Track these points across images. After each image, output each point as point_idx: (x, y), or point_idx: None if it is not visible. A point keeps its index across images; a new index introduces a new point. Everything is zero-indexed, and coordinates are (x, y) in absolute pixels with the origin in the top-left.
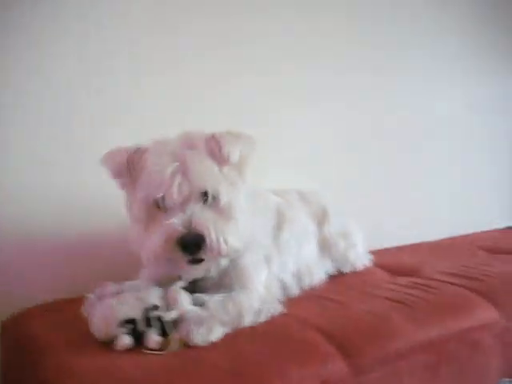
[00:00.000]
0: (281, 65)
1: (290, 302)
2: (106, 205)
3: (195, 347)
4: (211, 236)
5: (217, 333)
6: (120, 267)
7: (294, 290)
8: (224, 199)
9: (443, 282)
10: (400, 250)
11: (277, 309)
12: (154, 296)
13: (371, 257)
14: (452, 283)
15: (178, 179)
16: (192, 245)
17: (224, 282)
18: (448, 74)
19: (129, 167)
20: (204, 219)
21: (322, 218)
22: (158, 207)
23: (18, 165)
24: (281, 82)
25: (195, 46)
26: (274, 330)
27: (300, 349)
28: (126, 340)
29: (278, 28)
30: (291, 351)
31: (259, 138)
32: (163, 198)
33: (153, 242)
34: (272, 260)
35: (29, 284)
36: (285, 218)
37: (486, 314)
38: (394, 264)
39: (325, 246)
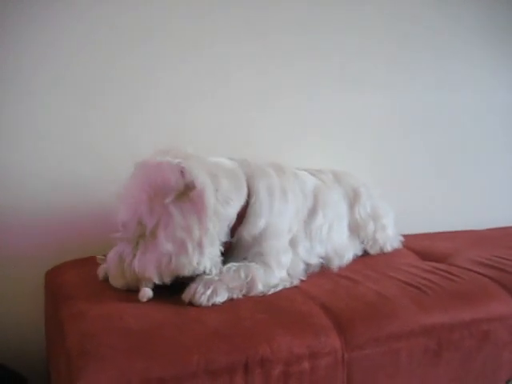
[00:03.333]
0: (319, 51)
1: (307, 277)
2: None
3: (200, 308)
4: None
5: (221, 297)
6: None
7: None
8: None
9: (468, 269)
10: (436, 235)
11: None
12: None
13: (402, 239)
14: (476, 271)
15: None
16: None
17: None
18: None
19: None
20: None
21: (353, 200)
22: None
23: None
24: (319, 67)
25: (215, 33)
26: (276, 300)
27: (296, 319)
28: (148, 292)
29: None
30: (286, 320)
31: (298, 122)
32: None
33: None
34: (299, 244)
35: (70, 240)
36: (320, 202)
37: (503, 306)
38: (426, 248)
39: (355, 228)
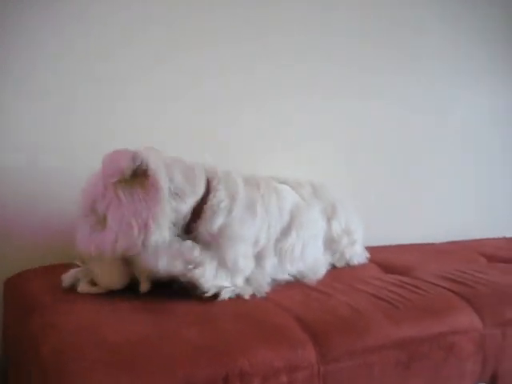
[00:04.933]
0: (294, 60)
1: (277, 288)
2: None
3: (178, 319)
4: None
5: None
6: None
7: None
8: None
9: (432, 283)
10: (399, 248)
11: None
12: None
13: (368, 255)
14: (440, 286)
15: None
16: None
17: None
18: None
19: None
20: None
21: (331, 214)
22: None
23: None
24: (292, 78)
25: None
26: (252, 312)
27: (273, 332)
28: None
29: (293, 23)
30: (263, 333)
31: (271, 133)
32: None
33: None
34: (266, 259)
35: (30, 248)
36: (296, 222)
37: (467, 320)
38: (388, 261)
39: (329, 242)
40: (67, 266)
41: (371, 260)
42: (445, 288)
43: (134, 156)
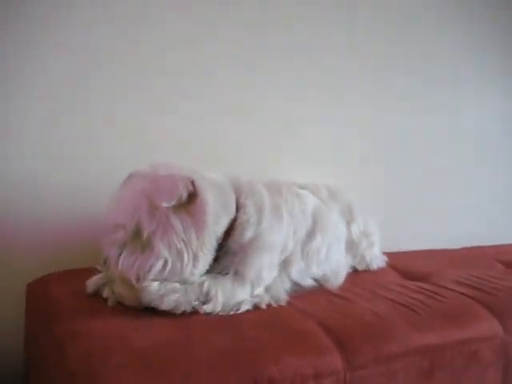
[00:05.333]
0: (307, 61)
1: (298, 294)
2: None
3: (202, 325)
4: None
5: (167, 304)
6: None
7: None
8: None
9: (452, 290)
10: (416, 254)
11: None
12: None
13: (386, 258)
14: (460, 293)
15: None
16: None
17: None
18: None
19: None
20: None
21: (349, 217)
22: None
23: None
24: (306, 79)
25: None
26: (278, 319)
27: (299, 339)
28: None
29: (304, 24)
30: (290, 340)
31: (285, 135)
32: None
33: None
34: (293, 264)
35: (53, 251)
36: (319, 224)
37: (488, 327)
38: (407, 267)
39: (350, 245)
40: (89, 271)
41: (388, 265)
42: (465, 295)
43: (193, 182)
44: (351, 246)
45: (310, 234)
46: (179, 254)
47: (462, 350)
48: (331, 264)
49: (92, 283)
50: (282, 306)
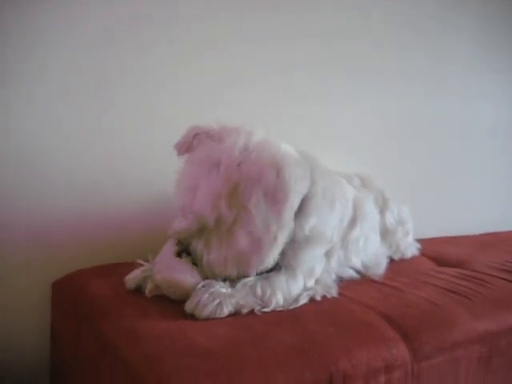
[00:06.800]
0: (331, 55)
1: (344, 285)
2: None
3: (263, 321)
4: None
5: (225, 312)
6: None
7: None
8: None
9: (492, 275)
10: (443, 241)
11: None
12: None
13: (419, 246)
14: (501, 278)
15: None
16: None
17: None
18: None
19: None
20: None
21: (383, 206)
22: None
23: None
24: (331, 72)
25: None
26: (337, 310)
27: (365, 331)
28: None
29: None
30: (356, 333)
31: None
32: None
33: None
34: (334, 254)
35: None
36: (358, 213)
37: None
38: (438, 254)
39: (385, 234)
40: (122, 266)
41: (421, 253)
42: (504, 279)
43: (280, 171)
44: (386, 234)
45: (351, 224)
46: (259, 243)
47: None
48: (368, 254)
49: (132, 278)
50: (335, 297)
